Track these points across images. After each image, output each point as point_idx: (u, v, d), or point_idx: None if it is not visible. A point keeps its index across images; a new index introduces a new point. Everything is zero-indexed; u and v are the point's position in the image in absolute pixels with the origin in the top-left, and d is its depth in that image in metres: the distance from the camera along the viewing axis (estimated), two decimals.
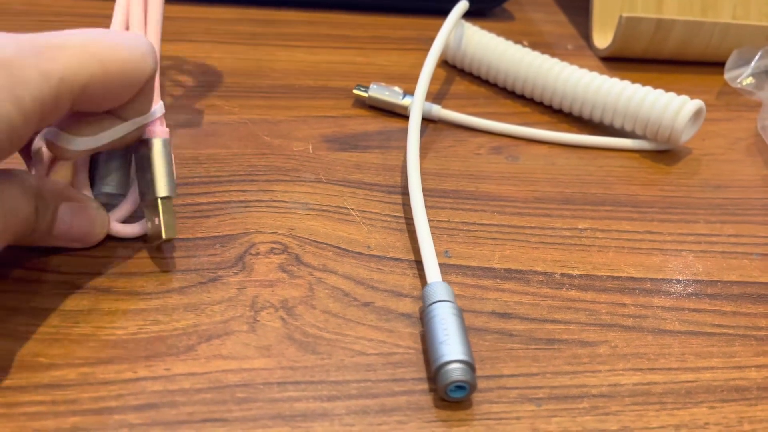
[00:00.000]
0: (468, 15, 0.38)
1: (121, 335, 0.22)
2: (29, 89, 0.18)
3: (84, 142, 0.21)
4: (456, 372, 0.20)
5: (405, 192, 0.29)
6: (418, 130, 0.30)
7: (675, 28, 0.40)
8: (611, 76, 0.35)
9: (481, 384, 0.22)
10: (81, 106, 0.20)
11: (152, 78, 0.22)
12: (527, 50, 0.37)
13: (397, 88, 0.34)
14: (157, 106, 0.24)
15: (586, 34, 0.45)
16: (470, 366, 0.21)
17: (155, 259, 0.24)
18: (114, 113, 0.22)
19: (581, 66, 0.35)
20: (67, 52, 0.19)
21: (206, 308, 0.23)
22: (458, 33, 0.38)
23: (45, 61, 0.19)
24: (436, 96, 0.37)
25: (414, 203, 0.27)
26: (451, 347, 0.21)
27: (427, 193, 0.29)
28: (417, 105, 0.31)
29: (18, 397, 0.19)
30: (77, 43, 0.20)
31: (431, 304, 0.22)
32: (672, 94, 0.33)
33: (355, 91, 0.34)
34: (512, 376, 0.22)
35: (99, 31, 0.21)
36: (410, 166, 0.28)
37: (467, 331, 0.22)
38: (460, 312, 0.22)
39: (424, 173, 0.30)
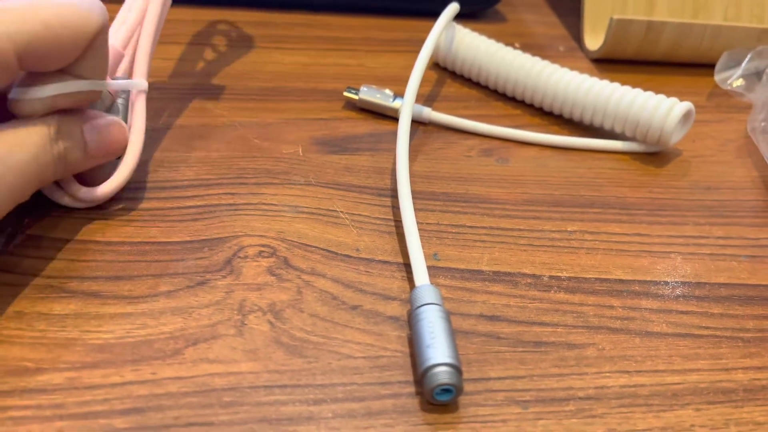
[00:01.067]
0: (460, 17, 0.38)
1: (108, 339, 0.22)
2: None
3: (34, 92, 0.22)
4: (442, 375, 0.20)
5: (395, 194, 0.29)
6: (407, 132, 0.30)
7: (666, 30, 0.40)
8: (602, 77, 0.35)
9: (468, 387, 0.22)
10: (30, 64, 0.22)
11: (100, 34, 0.23)
12: (518, 52, 0.37)
13: (387, 91, 0.34)
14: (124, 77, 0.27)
15: (577, 36, 0.45)
16: (457, 369, 0.21)
17: (143, 262, 0.24)
18: (67, 71, 0.23)
19: (572, 68, 0.36)
20: (7, 13, 0.21)
21: (194, 312, 0.23)
22: (449, 35, 0.38)
23: None
24: (426, 98, 0.37)
25: (403, 206, 0.27)
26: (437, 350, 0.21)
27: (416, 195, 0.29)
28: (407, 107, 0.31)
29: (4, 402, 0.19)
30: (18, 4, 0.21)
31: (418, 307, 0.22)
32: (661, 96, 0.33)
33: (346, 94, 0.34)
34: (499, 378, 0.22)
35: None
36: (399, 169, 0.28)
37: (455, 334, 0.22)
38: (448, 315, 0.22)
39: (413, 176, 0.30)
